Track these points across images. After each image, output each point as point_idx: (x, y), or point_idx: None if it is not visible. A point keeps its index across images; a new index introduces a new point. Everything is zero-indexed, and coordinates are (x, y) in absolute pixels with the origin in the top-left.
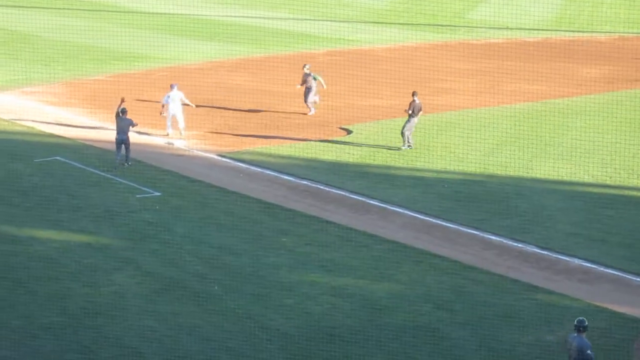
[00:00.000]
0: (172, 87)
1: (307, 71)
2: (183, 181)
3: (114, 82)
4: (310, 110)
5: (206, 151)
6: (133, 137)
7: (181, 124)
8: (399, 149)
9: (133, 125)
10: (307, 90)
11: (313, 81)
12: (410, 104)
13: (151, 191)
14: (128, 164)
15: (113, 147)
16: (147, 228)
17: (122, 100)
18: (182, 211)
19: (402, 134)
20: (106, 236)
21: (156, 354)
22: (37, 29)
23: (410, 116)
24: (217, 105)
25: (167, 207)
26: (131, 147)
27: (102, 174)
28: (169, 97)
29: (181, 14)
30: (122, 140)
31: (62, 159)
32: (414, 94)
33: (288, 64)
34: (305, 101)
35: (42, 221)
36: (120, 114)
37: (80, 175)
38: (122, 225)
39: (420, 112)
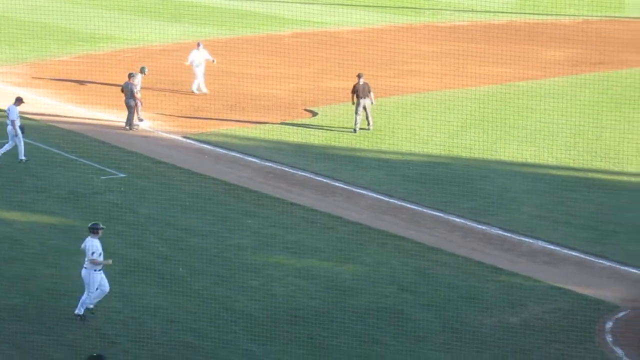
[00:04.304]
0: (198, 45)
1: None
2: (148, 162)
3: (79, 63)
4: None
5: (171, 132)
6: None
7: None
8: (354, 130)
9: (133, 90)
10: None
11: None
12: (354, 86)
13: (116, 172)
14: (126, 127)
15: (77, 128)
16: (112, 209)
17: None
18: (147, 193)
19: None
20: (71, 217)
21: (121, 335)
22: (0, 9)
23: (359, 98)
24: (182, 87)
25: (132, 188)
26: (95, 128)
27: (67, 155)
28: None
29: None
30: (127, 103)
31: (27, 140)
32: (359, 76)
33: (253, 46)
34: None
35: (6, 202)
36: (128, 79)
37: (44, 156)
38: (87, 206)
39: (371, 93)
